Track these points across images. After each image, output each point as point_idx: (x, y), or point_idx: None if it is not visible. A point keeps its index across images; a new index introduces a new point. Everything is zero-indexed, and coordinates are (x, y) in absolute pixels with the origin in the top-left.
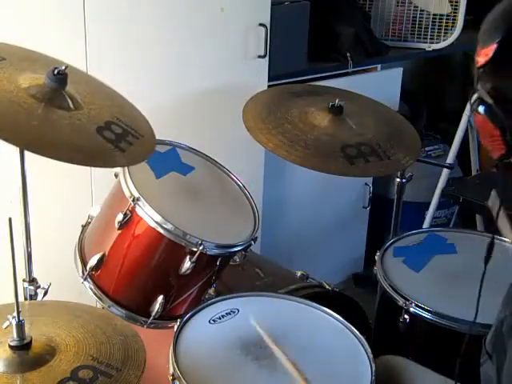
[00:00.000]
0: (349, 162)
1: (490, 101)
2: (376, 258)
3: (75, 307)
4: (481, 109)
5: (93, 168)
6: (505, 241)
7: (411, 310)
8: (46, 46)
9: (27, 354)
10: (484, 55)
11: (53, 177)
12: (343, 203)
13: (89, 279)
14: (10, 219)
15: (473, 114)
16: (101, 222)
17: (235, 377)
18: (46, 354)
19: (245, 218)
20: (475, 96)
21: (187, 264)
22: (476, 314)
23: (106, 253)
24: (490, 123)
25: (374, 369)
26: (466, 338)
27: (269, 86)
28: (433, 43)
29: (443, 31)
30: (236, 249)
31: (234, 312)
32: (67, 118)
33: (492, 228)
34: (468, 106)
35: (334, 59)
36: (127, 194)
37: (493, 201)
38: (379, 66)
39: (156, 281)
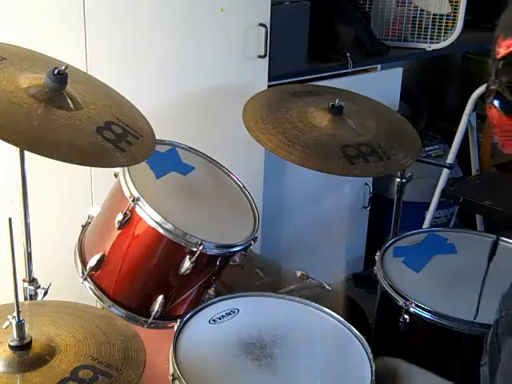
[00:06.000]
0: (349, 162)
1: (506, 94)
2: (376, 258)
3: (75, 307)
4: (496, 102)
5: (93, 168)
6: (508, 241)
7: (411, 309)
8: (46, 46)
9: (27, 354)
10: (505, 47)
11: (53, 177)
12: (343, 203)
13: (89, 279)
14: (9, 219)
15: (487, 107)
16: (101, 221)
17: (235, 377)
18: (46, 354)
19: (245, 218)
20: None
21: (187, 264)
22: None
23: (106, 253)
24: (504, 117)
25: (374, 369)
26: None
27: (269, 86)
28: (433, 43)
29: (443, 31)
30: (236, 249)
31: (233, 312)
32: (67, 118)
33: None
34: (468, 106)
35: (334, 59)
36: (127, 194)
37: None
38: (379, 66)
39: (156, 281)
